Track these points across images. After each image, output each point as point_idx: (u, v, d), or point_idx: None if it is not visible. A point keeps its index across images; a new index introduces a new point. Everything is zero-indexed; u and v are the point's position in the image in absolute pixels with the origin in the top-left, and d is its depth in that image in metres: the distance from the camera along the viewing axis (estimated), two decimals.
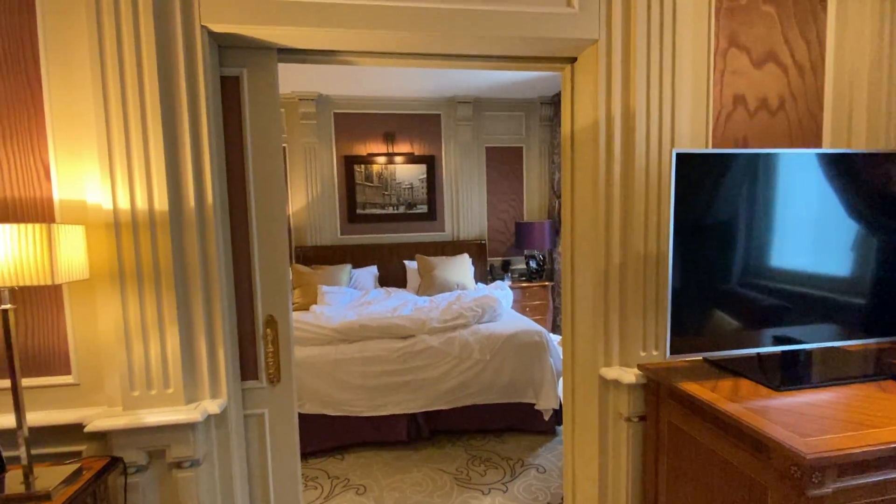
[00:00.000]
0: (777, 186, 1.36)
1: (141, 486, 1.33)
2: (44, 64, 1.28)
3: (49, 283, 1.03)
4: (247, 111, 1.51)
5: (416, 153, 4.88)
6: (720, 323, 1.40)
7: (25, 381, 1.33)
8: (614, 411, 1.62)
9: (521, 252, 5.18)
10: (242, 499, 1.52)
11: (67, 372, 1.34)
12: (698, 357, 1.54)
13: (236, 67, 1.50)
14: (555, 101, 4.95)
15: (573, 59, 1.67)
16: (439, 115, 4.91)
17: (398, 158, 4.82)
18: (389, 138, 4.84)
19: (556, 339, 3.13)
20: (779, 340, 1.41)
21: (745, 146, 1.64)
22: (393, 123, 4.84)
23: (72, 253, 1.11)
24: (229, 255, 1.48)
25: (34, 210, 1.30)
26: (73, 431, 1.32)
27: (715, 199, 1.35)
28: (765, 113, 1.64)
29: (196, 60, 1.32)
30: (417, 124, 4.88)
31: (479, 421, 2.87)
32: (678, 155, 1.27)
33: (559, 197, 4.85)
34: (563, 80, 1.77)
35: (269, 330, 1.55)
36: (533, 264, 4.89)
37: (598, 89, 1.53)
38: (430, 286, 4.17)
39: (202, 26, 1.31)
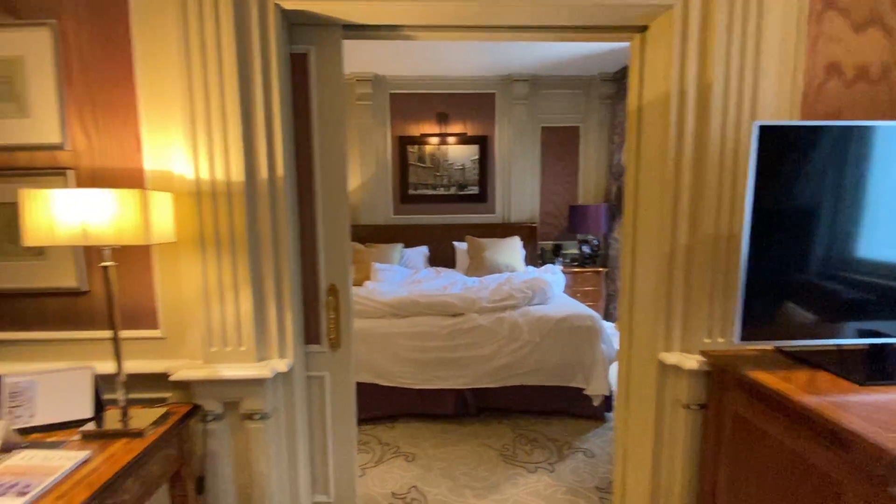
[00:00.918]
0: (874, 165, 1.23)
1: (218, 432, 1.47)
2: (135, 44, 1.39)
3: (144, 243, 1.14)
4: (313, 88, 1.57)
5: (469, 133, 4.85)
6: (796, 311, 1.30)
7: (121, 333, 1.49)
8: (672, 398, 1.57)
9: (574, 236, 5.05)
10: (304, 453, 1.64)
11: (155, 327, 1.49)
12: (768, 346, 1.45)
13: (304, 45, 1.55)
14: (617, 78, 4.71)
15: (643, 28, 1.58)
16: (494, 94, 4.82)
17: (451, 139, 4.81)
18: (442, 118, 4.83)
19: (607, 326, 3.05)
20: (863, 334, 1.29)
21: (839, 120, 1.49)
22: (446, 103, 4.82)
23: (162, 217, 1.22)
24: (296, 225, 1.56)
25: (127, 179, 1.44)
26: (160, 380, 1.48)
27: (799, 177, 1.24)
28: (864, 83, 1.47)
29: (269, 38, 1.38)
30: (471, 104, 4.83)
31: (526, 401, 2.88)
32: (761, 128, 1.17)
33: (618, 179, 4.65)
34: (631, 51, 1.69)
35: (331, 297, 1.63)
36: (586, 249, 4.75)
37: (671, 59, 1.44)
38: (479, 267, 4.18)
39: (275, 4, 1.37)
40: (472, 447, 2.53)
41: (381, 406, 2.82)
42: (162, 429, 1.26)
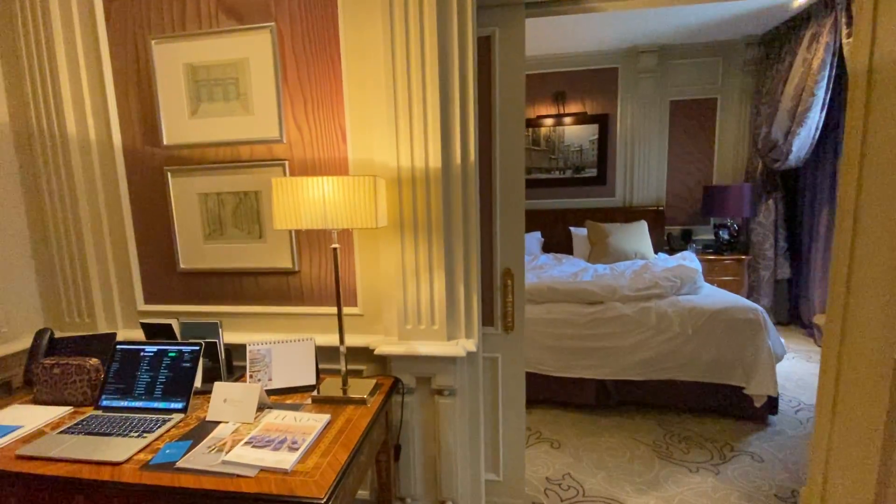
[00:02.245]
0: None
1: (411, 405, 1.56)
2: (342, 40, 1.48)
3: (373, 226, 1.21)
4: (496, 70, 1.55)
5: (589, 112, 4.60)
6: None
7: (323, 309, 1.64)
8: None
9: (707, 220, 4.59)
10: (482, 432, 1.68)
11: (355, 304, 1.62)
12: None
13: (489, 27, 1.54)
14: (765, 41, 4.13)
15: None
16: (616, 68, 4.51)
17: (567, 119, 4.61)
18: (559, 98, 4.64)
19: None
20: None
21: None
22: (563, 82, 4.61)
23: (383, 203, 1.30)
24: (479, 210, 1.58)
25: (334, 168, 1.56)
26: (359, 353, 1.60)
27: None
28: None
29: (466, 21, 1.39)
30: (591, 81, 4.57)
31: (673, 397, 2.70)
32: None
33: (765, 155, 4.11)
34: None
35: (508, 281, 1.63)
36: (724, 234, 4.29)
37: None
38: (603, 254, 3.99)
39: None
40: (619, 439, 2.44)
41: None
42: (379, 398, 1.36)
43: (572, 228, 4.52)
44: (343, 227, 1.21)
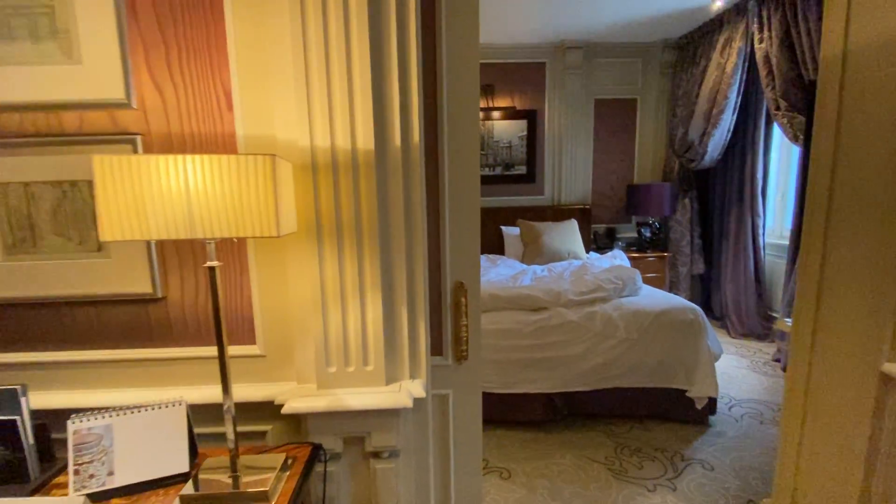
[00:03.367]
0: None
1: (337, 475, 1.14)
2: None
3: (273, 234, 0.78)
4: (442, 28, 1.19)
5: (518, 107, 4.44)
6: None
7: (203, 351, 1.15)
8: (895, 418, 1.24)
9: (629, 219, 4.69)
10: (435, 492, 1.32)
11: (251, 341, 1.15)
12: None
13: None
14: (681, 45, 4.28)
15: None
16: (544, 63, 4.40)
17: (496, 114, 4.41)
18: (488, 91, 4.42)
19: None
20: None
21: None
22: (492, 74, 4.40)
23: (288, 198, 0.87)
24: (426, 208, 1.20)
25: (216, 146, 1.08)
26: (259, 409, 1.14)
27: None
28: None
29: None
30: (520, 74, 4.41)
31: (619, 405, 2.57)
32: None
33: (681, 156, 4.26)
34: None
35: (462, 298, 1.28)
36: (646, 232, 4.39)
37: None
38: (537, 254, 3.83)
39: None
40: (571, 460, 2.23)
41: None
42: (289, 486, 0.93)
43: (504, 228, 4.33)
44: (222, 237, 0.76)
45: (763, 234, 3.82)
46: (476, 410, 1.37)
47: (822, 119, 1.39)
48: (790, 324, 1.59)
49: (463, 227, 1.27)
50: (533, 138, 4.49)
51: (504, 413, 2.50)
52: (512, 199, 4.58)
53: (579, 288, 2.64)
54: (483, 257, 3.86)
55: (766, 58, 3.12)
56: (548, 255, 3.81)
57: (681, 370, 2.50)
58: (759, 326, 3.84)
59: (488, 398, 2.47)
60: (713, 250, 4.32)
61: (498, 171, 4.53)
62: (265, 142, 1.07)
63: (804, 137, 2.90)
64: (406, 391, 1.10)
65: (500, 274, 3.21)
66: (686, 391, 2.49)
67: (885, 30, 1.20)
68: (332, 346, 1.08)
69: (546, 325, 2.47)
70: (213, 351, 1.15)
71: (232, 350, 1.14)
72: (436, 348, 1.33)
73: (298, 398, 1.07)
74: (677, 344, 2.49)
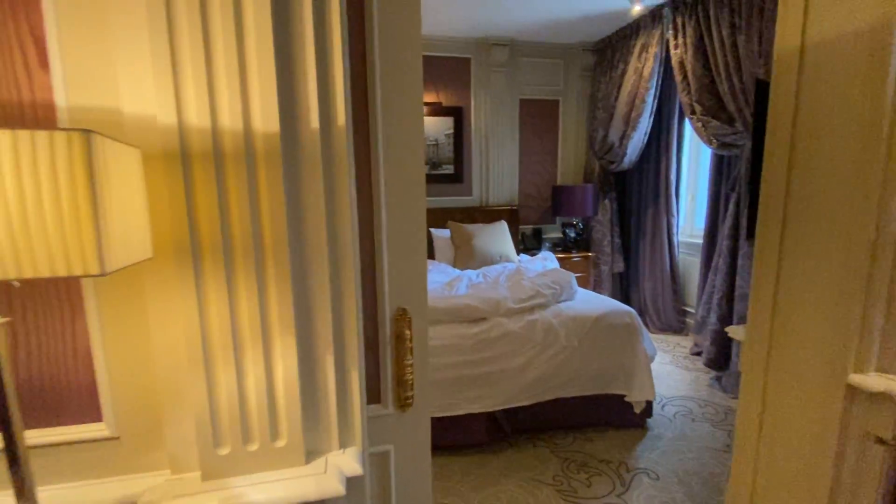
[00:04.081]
0: None
1: None
2: None
3: (94, 271, 0.45)
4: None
5: (443, 103, 4.24)
6: None
7: (29, 438, 0.75)
8: (861, 431, 1.21)
9: (553, 220, 4.72)
10: None
11: (95, 418, 0.77)
12: None
13: None
14: (598, 49, 4.38)
15: None
16: (469, 59, 4.24)
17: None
18: None
19: None
20: None
21: None
22: None
23: (130, 204, 0.53)
24: (356, 216, 0.91)
25: (22, 120, 0.69)
26: None
27: None
28: None
29: None
30: (445, 69, 4.21)
31: (561, 416, 2.46)
32: None
33: (601, 157, 4.37)
34: None
35: (406, 330, 1.01)
36: (571, 233, 4.44)
37: None
38: (469, 258, 3.66)
39: None
40: (518, 484, 2.05)
41: None
42: None
43: (433, 230, 4.10)
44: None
45: (677, 233, 4.02)
46: (424, 468, 1.10)
47: (776, 121, 1.33)
48: (741, 332, 1.54)
49: (406, 237, 1.00)
50: (460, 136, 4.31)
51: (445, 437, 2.26)
52: (440, 200, 4.37)
53: (518, 295, 2.49)
54: None
55: (682, 64, 3.24)
56: (480, 258, 3.65)
57: (620, 375, 2.45)
58: (675, 321, 4.05)
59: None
60: (631, 249, 4.50)
61: (425, 170, 4.28)
62: (104, 117, 0.70)
63: (753, 138, 3.04)
64: (335, 470, 0.80)
65: (433, 281, 2.97)
66: (625, 396, 2.45)
67: (849, 22, 1.14)
68: (221, 416, 0.75)
69: (487, 338, 2.28)
70: (32, 438, 0.74)
71: (60, 433, 0.75)
72: (372, 395, 1.04)
73: (173, 499, 0.72)
74: (615, 349, 2.44)
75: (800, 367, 1.31)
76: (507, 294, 2.49)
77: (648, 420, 2.55)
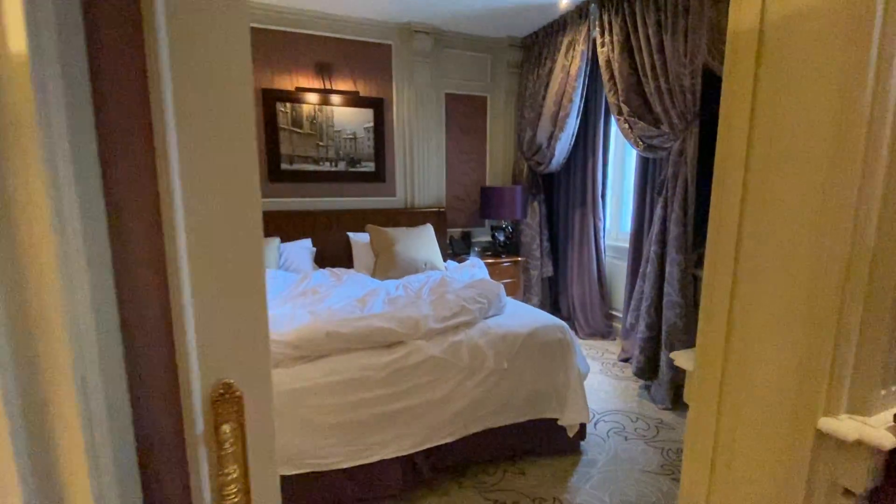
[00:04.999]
0: None
1: None
2: None
3: None
4: None
5: (361, 94, 3.81)
6: None
7: None
8: (829, 482, 1.02)
9: (482, 223, 4.49)
10: None
11: None
12: None
13: None
14: (526, 45, 4.21)
15: None
16: (390, 45, 3.86)
17: (336, 99, 3.71)
18: (324, 71, 3.68)
19: None
20: None
21: None
22: (330, 51, 3.68)
23: None
24: (101, 222, 0.50)
25: None
26: None
27: None
28: None
29: None
30: (363, 56, 3.79)
31: (489, 449, 2.17)
32: None
33: (529, 159, 4.20)
34: None
35: (227, 424, 0.62)
36: (500, 236, 4.23)
37: None
38: (390, 266, 3.28)
39: None
40: None
41: None
42: None
43: (351, 234, 3.66)
44: None
45: (604, 237, 3.96)
46: None
47: (730, 118, 1.11)
48: (687, 358, 1.33)
49: (229, 268, 0.60)
50: (381, 131, 3.92)
51: (353, 490, 1.87)
52: (360, 201, 3.94)
53: (441, 312, 2.16)
54: (327, 272, 3.14)
55: (608, 62, 3.12)
56: (402, 266, 3.29)
57: (553, 397, 2.22)
58: (603, 326, 3.99)
59: (330, 478, 1.80)
60: (559, 253, 4.40)
61: (342, 166, 3.84)
62: None
63: (700, 136, 2.95)
64: None
65: (345, 295, 2.56)
66: (558, 420, 2.23)
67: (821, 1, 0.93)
68: None
69: (403, 366, 1.92)
70: None
71: None
72: None
73: None
74: (548, 368, 2.21)
75: (759, 405, 1.10)
76: (429, 311, 2.15)
77: (582, 443, 2.35)
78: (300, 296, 2.63)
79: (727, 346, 1.19)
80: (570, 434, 2.24)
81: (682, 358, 1.38)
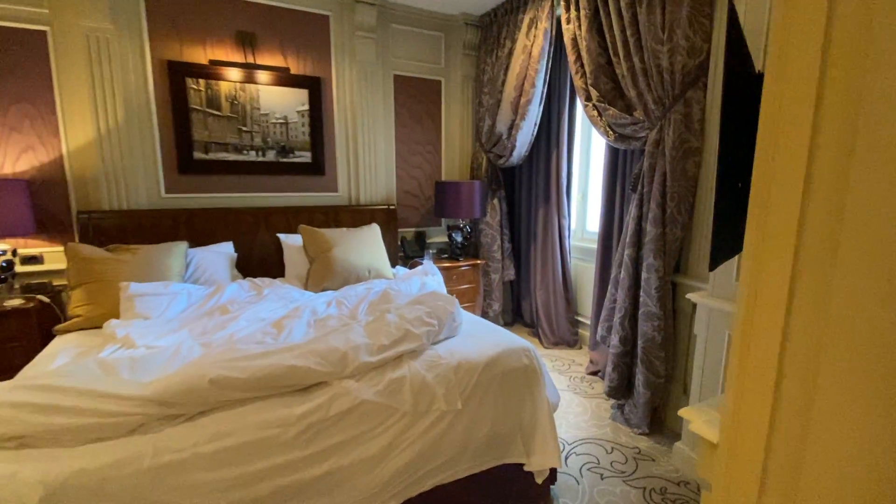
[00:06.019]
0: None
1: None
2: None
3: None
4: None
5: (294, 71, 3.26)
6: None
7: None
8: None
9: (439, 222, 4.05)
10: None
11: None
12: None
13: None
14: (483, 24, 3.79)
15: None
16: (328, 16, 3.33)
17: (263, 76, 3.13)
18: (247, 41, 3.10)
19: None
20: None
21: None
22: (253, 19, 3.10)
23: None
24: None
25: None
26: None
27: None
28: None
29: None
30: (295, 26, 3.23)
31: None
32: None
33: (489, 151, 3.80)
34: None
35: None
36: (457, 237, 3.80)
37: None
38: (326, 275, 2.77)
39: None
40: None
41: None
42: None
43: (282, 237, 3.11)
44: None
45: (569, 237, 3.63)
46: None
47: (776, 77, 0.72)
48: (707, 424, 0.95)
49: None
50: (319, 115, 3.38)
51: None
52: (295, 197, 3.39)
53: (378, 339, 1.70)
54: (246, 283, 2.59)
55: (574, 41, 2.75)
56: (341, 274, 2.79)
57: (517, 438, 1.82)
58: (568, 334, 3.66)
59: None
60: (522, 255, 4.04)
61: (270, 155, 3.27)
62: None
63: (704, 132, 2.60)
64: None
65: (256, 319, 2.03)
66: (524, 465, 1.83)
67: None
68: None
69: (324, 419, 1.45)
70: None
71: None
72: None
73: None
74: (511, 403, 1.81)
75: (833, 499, 0.72)
76: (362, 339, 1.69)
77: (552, 487, 1.97)
78: (205, 316, 2.09)
79: (776, 404, 0.80)
80: (539, 480, 1.85)
81: (697, 420, 0.99)
